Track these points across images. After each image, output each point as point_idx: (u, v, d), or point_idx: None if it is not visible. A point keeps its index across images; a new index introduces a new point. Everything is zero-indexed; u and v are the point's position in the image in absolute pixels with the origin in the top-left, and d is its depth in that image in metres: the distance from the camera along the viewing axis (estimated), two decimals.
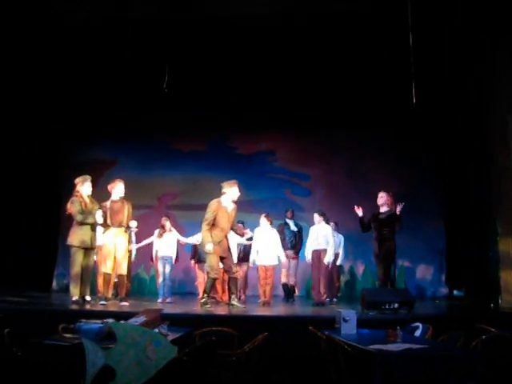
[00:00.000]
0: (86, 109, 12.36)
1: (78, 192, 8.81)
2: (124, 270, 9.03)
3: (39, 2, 9.50)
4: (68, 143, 13.43)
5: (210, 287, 8.84)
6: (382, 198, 9.39)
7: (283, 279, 10.54)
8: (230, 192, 8.94)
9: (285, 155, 13.35)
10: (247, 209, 10.21)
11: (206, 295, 8.70)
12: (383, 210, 9.36)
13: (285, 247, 10.22)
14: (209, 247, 8.59)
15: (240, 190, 9.08)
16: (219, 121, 12.57)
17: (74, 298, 8.51)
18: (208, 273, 8.79)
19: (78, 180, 8.94)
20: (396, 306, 7.70)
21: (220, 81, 11.10)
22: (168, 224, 10.09)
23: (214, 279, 8.80)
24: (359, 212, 9.42)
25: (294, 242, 10.48)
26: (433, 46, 9.74)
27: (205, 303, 8.56)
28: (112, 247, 8.89)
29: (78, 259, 8.59)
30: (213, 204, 8.84)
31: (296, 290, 10.93)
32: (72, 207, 8.69)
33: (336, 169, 13.11)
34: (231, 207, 8.93)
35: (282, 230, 10.48)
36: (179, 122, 12.57)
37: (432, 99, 10.46)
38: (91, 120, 12.77)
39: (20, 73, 10.82)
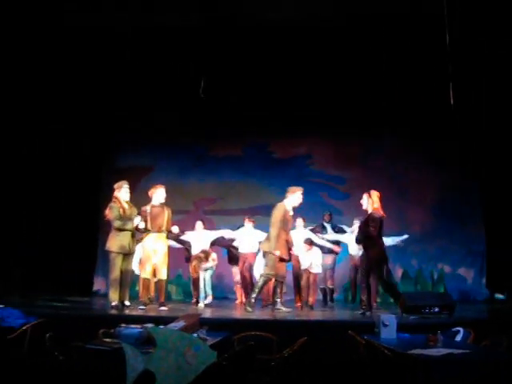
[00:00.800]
0: (124, 115, 12.52)
1: (116, 198, 8.88)
2: (163, 275, 9.06)
3: (71, 11, 9.61)
4: (107, 150, 13.62)
5: (262, 287, 8.90)
6: (364, 201, 9.05)
7: (321, 283, 10.45)
8: (293, 197, 9.03)
9: (322, 158, 13.28)
10: None
11: (254, 295, 8.77)
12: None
13: (322, 251, 10.11)
14: (278, 251, 8.73)
15: (277, 195, 9.12)
16: (256, 125, 12.58)
17: (114, 303, 8.56)
18: (262, 273, 8.87)
19: (116, 186, 9.00)
20: (436, 310, 7.59)
21: (256, 85, 11.11)
22: (199, 225, 10.20)
23: (269, 280, 8.88)
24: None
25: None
26: (470, 46, 9.60)
27: (250, 305, 8.64)
28: (151, 252, 8.93)
29: (117, 264, 8.63)
30: (281, 206, 8.94)
31: (334, 293, 10.80)
32: (110, 213, 8.75)
33: (374, 172, 12.99)
34: (291, 212, 9.07)
35: (319, 232, 10.40)
36: (216, 127, 12.62)
37: (470, 100, 10.32)
38: (129, 126, 12.92)
39: (63, 80, 11.00)
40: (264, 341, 5.67)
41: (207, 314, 8.22)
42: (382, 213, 8.75)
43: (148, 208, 9.00)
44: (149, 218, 8.93)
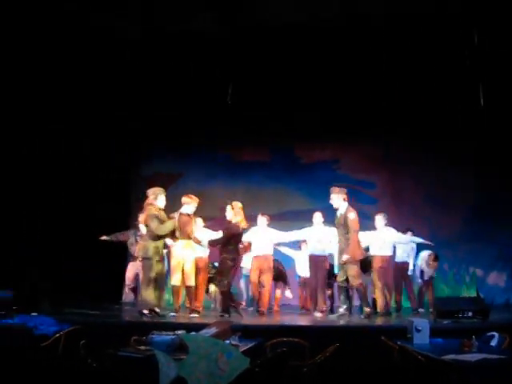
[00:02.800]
0: (151, 123, 12.61)
1: (153, 205, 8.80)
2: (192, 282, 9.08)
3: (100, 19, 9.69)
4: (135, 157, 13.74)
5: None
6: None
7: None
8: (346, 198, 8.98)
9: (349, 163, 13.23)
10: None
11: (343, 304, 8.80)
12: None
13: None
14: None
15: (304, 199, 9.08)
16: (282, 130, 12.59)
17: (145, 311, 8.58)
18: (355, 283, 8.78)
19: (151, 192, 8.93)
20: (470, 314, 7.50)
21: (282, 91, 11.11)
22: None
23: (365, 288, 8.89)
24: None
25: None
26: (497, 47, 9.49)
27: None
28: (181, 259, 8.96)
29: (153, 269, 8.58)
30: (352, 210, 8.84)
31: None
32: (151, 222, 8.69)
33: (401, 175, 12.92)
34: None
35: None
36: (242, 133, 12.64)
37: (500, 100, 10.19)
38: (157, 133, 13.01)
39: (94, 88, 11.11)
40: (296, 347, 5.65)
41: (239, 320, 8.20)
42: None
43: (176, 215, 9.01)
44: (177, 226, 8.92)
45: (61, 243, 11.09)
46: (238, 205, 9.08)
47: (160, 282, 8.76)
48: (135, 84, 11.19)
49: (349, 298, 9.27)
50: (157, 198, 8.86)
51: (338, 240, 8.99)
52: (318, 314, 9.00)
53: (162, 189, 9.03)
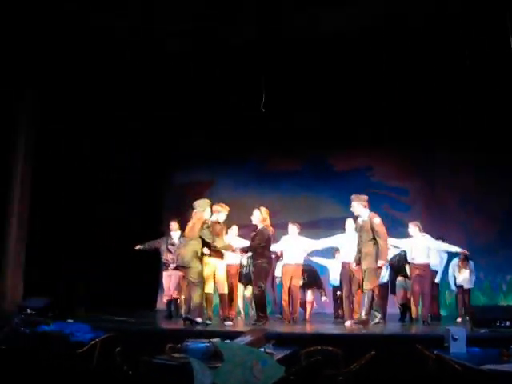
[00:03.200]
0: (185, 131, 12.71)
1: (203, 219, 8.73)
2: (225, 289, 9.10)
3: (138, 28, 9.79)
4: (168, 165, 13.88)
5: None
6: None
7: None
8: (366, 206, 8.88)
9: (382, 170, 13.20)
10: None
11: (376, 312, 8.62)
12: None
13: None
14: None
15: (338, 207, 9.03)
16: (315, 138, 12.59)
17: (199, 319, 8.46)
18: (368, 287, 8.58)
19: (198, 205, 8.94)
20: (507, 323, 7.37)
21: (316, 99, 11.11)
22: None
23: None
24: None
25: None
26: None
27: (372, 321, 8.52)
28: (213, 267, 8.98)
29: (197, 276, 8.60)
30: (376, 216, 8.75)
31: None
32: (206, 235, 8.65)
33: (436, 183, 12.81)
34: None
35: None
36: (275, 140, 12.67)
37: None
38: (190, 142, 13.10)
39: (124, 100, 11.23)
40: (331, 355, 5.61)
41: (273, 328, 8.18)
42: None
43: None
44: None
45: (96, 250, 11.20)
46: (265, 210, 9.07)
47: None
48: (172, 92, 11.28)
49: (381, 306, 9.09)
50: (205, 211, 8.89)
51: (359, 247, 8.81)
52: (349, 323, 8.89)
53: (208, 201, 9.07)
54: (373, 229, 8.58)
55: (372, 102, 11.33)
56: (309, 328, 8.67)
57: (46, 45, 9.72)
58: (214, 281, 9.00)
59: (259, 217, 9.02)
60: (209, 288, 8.98)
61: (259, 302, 8.93)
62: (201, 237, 8.67)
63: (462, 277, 10.36)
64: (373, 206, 10.36)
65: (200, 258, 8.69)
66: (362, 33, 9.68)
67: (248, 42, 9.86)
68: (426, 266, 9.50)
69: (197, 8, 8.98)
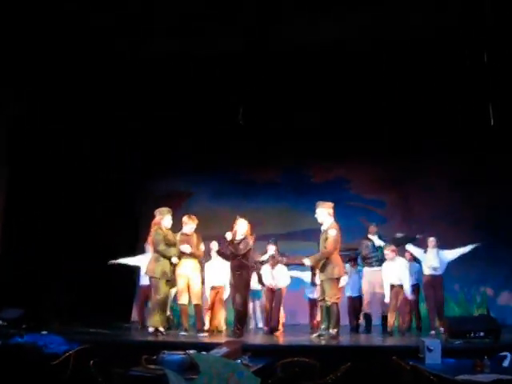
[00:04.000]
0: (162, 141, 12.68)
1: (158, 224, 8.93)
2: (199, 300, 9.09)
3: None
4: (146, 176, 13.83)
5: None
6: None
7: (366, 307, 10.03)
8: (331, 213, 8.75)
9: (359, 182, 13.26)
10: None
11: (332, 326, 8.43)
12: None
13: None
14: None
15: (314, 219, 8.97)
16: (292, 150, 12.64)
17: (151, 329, 8.62)
18: (328, 300, 8.42)
19: (158, 212, 9.05)
20: (481, 334, 7.42)
21: (294, 111, 11.16)
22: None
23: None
24: None
25: (379, 258, 9.92)
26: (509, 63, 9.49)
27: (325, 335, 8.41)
28: (186, 278, 8.97)
29: (161, 289, 8.67)
30: (335, 226, 8.58)
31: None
32: (154, 238, 8.82)
33: (412, 195, 12.92)
34: None
35: (363, 247, 10.07)
36: (253, 152, 12.69)
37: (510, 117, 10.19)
38: (167, 153, 13.08)
39: (99, 109, 11.17)
40: (307, 367, 5.61)
41: (249, 340, 8.17)
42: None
43: (178, 235, 9.06)
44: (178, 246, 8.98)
45: (70, 264, 11.09)
46: (245, 221, 9.05)
47: (165, 304, 8.88)
48: (148, 103, 11.26)
49: (328, 317, 8.69)
50: (163, 218, 8.95)
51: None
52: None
53: (168, 209, 9.16)
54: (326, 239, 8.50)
55: (349, 115, 11.40)
56: (285, 340, 8.64)
57: (37, 43, 9.64)
58: (189, 292, 9.00)
59: (246, 227, 8.95)
60: (183, 299, 8.98)
61: (240, 314, 8.82)
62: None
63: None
64: (349, 218, 10.52)
65: (166, 271, 8.75)
66: (337, 46, 9.76)
67: (227, 55, 9.89)
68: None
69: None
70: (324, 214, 8.66)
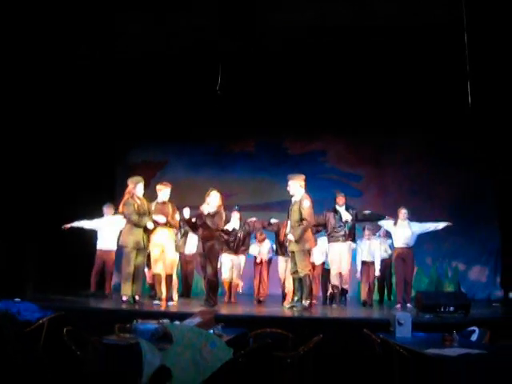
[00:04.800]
0: (138, 111, 12.56)
1: (131, 193, 8.91)
2: (172, 270, 9.13)
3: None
4: (121, 145, 13.75)
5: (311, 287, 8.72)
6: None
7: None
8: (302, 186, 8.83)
9: (336, 155, 13.29)
10: None
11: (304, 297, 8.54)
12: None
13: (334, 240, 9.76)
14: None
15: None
16: (269, 122, 12.58)
17: (124, 298, 8.65)
18: (301, 272, 8.53)
19: (130, 181, 9.03)
20: (451, 309, 7.55)
21: (270, 82, 11.10)
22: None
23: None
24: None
25: (346, 232, 9.65)
26: (489, 45, 9.51)
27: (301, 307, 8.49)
28: (160, 248, 8.99)
29: (131, 259, 8.69)
30: (307, 198, 8.66)
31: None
32: (126, 208, 8.78)
33: (388, 171, 12.99)
34: None
35: (329, 219, 9.78)
36: (230, 122, 12.62)
37: (487, 99, 10.24)
38: (143, 121, 12.96)
39: (77, 83, 11.02)
40: (279, 338, 5.68)
41: (222, 310, 8.22)
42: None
43: (152, 205, 9.06)
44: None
45: (44, 230, 11.01)
46: (218, 193, 9.08)
47: (138, 273, 8.88)
48: (124, 74, 11.11)
49: (301, 288, 8.76)
50: (135, 187, 8.94)
51: (290, 228, 8.79)
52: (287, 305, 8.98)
53: (140, 177, 9.15)
54: (300, 211, 8.59)
55: (328, 87, 11.35)
56: (258, 310, 8.71)
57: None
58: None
59: (218, 199, 8.98)
60: (157, 268, 8.99)
61: (212, 283, 8.90)
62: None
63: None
64: (324, 191, 10.57)
65: (139, 241, 8.76)
66: (323, 24, 9.67)
67: (206, 26, 9.77)
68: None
69: None
70: (296, 186, 8.77)
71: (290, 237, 8.60)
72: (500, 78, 10.17)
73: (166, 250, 9.02)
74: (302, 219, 8.54)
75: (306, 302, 8.44)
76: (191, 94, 11.50)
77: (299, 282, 8.64)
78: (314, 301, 9.13)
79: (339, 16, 9.32)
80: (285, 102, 11.91)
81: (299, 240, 8.52)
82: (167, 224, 9.01)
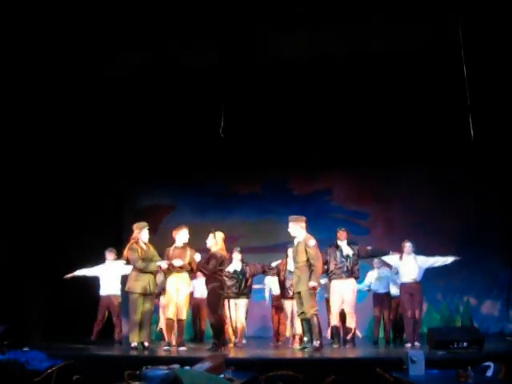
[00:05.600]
0: (144, 155, 12.66)
1: (136, 239, 8.92)
2: (184, 315, 9.03)
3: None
4: (129, 190, 13.82)
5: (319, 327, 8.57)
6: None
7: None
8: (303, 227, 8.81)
9: (342, 194, 13.34)
10: None
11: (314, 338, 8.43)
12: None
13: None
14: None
15: None
16: (275, 162, 12.66)
17: (133, 344, 8.58)
18: (308, 313, 8.45)
19: (135, 226, 9.05)
20: (465, 344, 7.45)
21: (274, 123, 11.18)
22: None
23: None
24: None
25: (348, 268, 9.42)
26: (488, 76, 9.59)
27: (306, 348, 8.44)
28: (174, 292, 8.92)
29: (138, 305, 8.67)
30: (311, 238, 8.65)
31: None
32: (131, 254, 8.78)
33: (394, 206, 12.98)
34: None
35: (330, 255, 9.53)
36: (234, 165, 12.70)
37: (491, 132, 10.30)
38: (151, 166, 13.04)
39: (82, 123, 11.12)
40: (291, 380, 5.60)
41: (232, 354, 8.14)
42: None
43: (171, 249, 8.99)
44: (170, 258, 8.91)
45: (50, 276, 10.98)
46: (220, 234, 9.05)
47: (146, 318, 8.82)
48: (131, 116, 11.24)
49: (310, 329, 8.64)
50: (140, 232, 8.96)
51: (294, 270, 8.79)
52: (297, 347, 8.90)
53: (145, 223, 9.16)
54: (307, 251, 8.55)
55: (332, 127, 11.44)
56: (268, 353, 8.62)
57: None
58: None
59: (212, 241, 8.97)
60: (169, 313, 8.91)
61: (217, 328, 8.82)
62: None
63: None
64: (331, 231, 10.48)
65: (146, 286, 8.75)
66: (322, 58, 9.81)
67: (208, 68, 9.90)
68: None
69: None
70: (297, 228, 8.78)
71: (313, 284, 8.43)
72: (501, 106, 10.25)
73: (179, 294, 8.92)
74: (308, 259, 8.51)
75: (316, 343, 8.34)
76: (197, 137, 11.60)
77: (307, 323, 8.55)
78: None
79: (336, 48, 9.49)
80: (288, 142, 11.99)
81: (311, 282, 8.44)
82: (183, 267, 8.96)
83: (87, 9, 8.41)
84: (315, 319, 8.43)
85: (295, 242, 8.81)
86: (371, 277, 10.26)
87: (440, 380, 4.99)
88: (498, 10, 8.35)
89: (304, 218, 8.88)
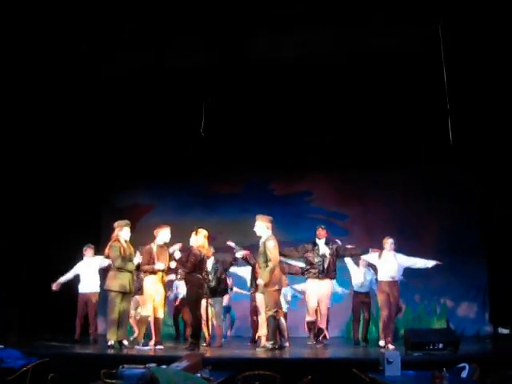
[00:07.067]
0: (123, 154, 12.59)
1: (116, 237, 8.89)
2: (161, 314, 9.02)
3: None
4: (107, 189, 13.72)
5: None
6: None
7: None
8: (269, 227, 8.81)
9: (322, 195, 13.35)
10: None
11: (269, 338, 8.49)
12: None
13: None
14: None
15: (277, 231, 9.03)
16: (255, 163, 12.65)
17: (110, 343, 8.55)
18: (267, 313, 8.56)
19: (116, 225, 9.03)
20: (441, 346, 7.51)
21: (256, 123, 11.19)
22: None
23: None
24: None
25: (324, 268, 9.40)
26: (467, 80, 9.67)
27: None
28: (153, 291, 8.89)
29: (116, 304, 8.65)
30: (273, 238, 8.67)
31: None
32: (111, 252, 8.77)
33: (374, 208, 13.03)
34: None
35: (307, 252, 9.55)
36: (215, 164, 12.68)
37: (470, 135, 10.38)
38: (129, 165, 12.97)
39: (63, 123, 11.07)
40: (268, 380, 5.60)
41: (209, 353, 8.13)
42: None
43: (154, 247, 8.95)
44: (155, 257, 8.87)
45: (28, 274, 10.91)
46: (202, 232, 9.01)
47: (123, 317, 8.83)
48: (110, 116, 11.20)
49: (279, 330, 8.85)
50: (122, 230, 8.94)
51: (261, 269, 8.76)
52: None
53: (127, 221, 9.16)
54: (266, 252, 8.57)
55: (313, 128, 11.47)
56: (246, 353, 8.61)
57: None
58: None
59: (194, 237, 8.94)
60: (147, 311, 8.88)
61: (195, 329, 8.80)
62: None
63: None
64: (311, 231, 10.50)
65: (125, 285, 8.72)
66: (305, 59, 9.82)
67: (196, 68, 9.89)
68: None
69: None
70: (263, 226, 8.81)
71: (260, 281, 8.57)
72: (481, 109, 10.34)
73: (157, 294, 8.91)
74: (266, 260, 8.54)
75: (268, 343, 8.42)
76: (176, 136, 11.57)
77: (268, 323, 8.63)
78: (287, 343, 9.05)
79: (324, 54, 9.51)
80: (270, 143, 12.01)
81: (268, 283, 8.49)
82: (165, 270, 8.94)
83: (87, 9, 8.39)
84: (272, 320, 8.49)
85: (260, 241, 8.82)
86: (356, 278, 10.24)
87: (415, 381, 5.03)
88: (479, 13, 8.42)
89: (270, 218, 8.91)
